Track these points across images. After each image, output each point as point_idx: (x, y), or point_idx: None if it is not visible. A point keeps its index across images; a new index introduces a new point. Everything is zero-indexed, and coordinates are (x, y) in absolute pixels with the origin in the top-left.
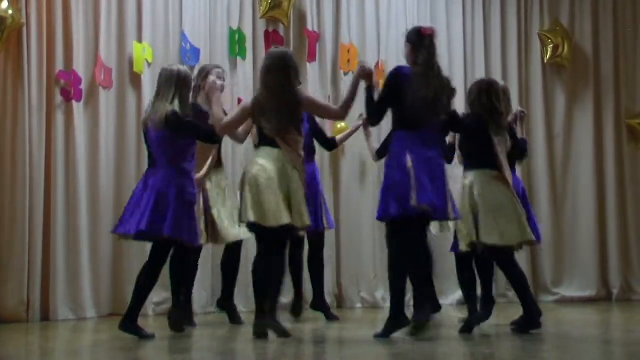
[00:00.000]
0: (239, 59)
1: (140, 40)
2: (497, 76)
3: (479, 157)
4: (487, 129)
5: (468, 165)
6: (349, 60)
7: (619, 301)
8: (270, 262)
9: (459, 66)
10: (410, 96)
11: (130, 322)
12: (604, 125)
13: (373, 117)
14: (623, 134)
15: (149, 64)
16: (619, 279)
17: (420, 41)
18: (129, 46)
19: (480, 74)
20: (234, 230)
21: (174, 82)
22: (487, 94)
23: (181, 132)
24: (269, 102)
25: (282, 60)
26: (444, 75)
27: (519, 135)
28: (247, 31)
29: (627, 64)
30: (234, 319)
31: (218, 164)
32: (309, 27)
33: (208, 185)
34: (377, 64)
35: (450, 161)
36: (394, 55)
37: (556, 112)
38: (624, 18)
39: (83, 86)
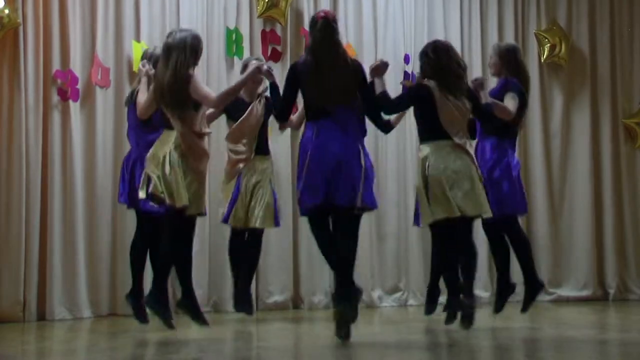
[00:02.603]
0: (236, 58)
1: (138, 39)
2: None
3: (430, 128)
4: (431, 98)
5: (422, 138)
6: None
7: (616, 301)
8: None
9: None
10: (306, 86)
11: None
12: (601, 125)
13: (278, 113)
14: (620, 134)
15: None
16: (615, 278)
17: (314, 25)
18: (126, 45)
19: (477, 73)
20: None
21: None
22: (434, 53)
23: None
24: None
25: (182, 40)
26: (342, 59)
27: (483, 101)
28: (244, 31)
29: (623, 63)
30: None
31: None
32: (306, 26)
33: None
34: None
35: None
36: (391, 55)
37: (553, 112)
38: (621, 18)
39: (80, 86)
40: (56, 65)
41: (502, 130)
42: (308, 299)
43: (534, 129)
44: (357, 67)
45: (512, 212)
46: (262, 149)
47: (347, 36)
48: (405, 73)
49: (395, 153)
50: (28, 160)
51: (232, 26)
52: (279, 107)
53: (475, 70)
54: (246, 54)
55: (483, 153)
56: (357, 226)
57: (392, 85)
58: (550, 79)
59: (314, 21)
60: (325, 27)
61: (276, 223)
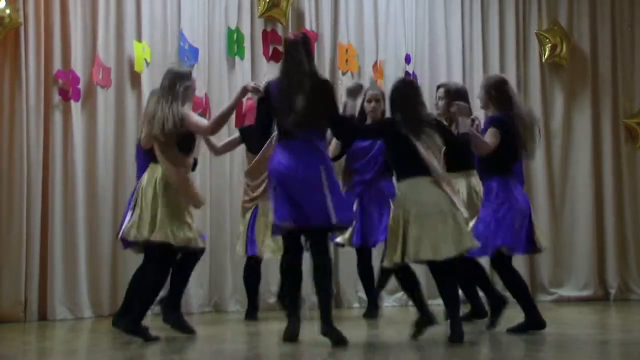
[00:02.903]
0: (237, 58)
1: (139, 39)
2: None
3: (406, 165)
4: (399, 133)
5: (398, 175)
6: (347, 60)
7: (617, 301)
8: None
9: (457, 66)
10: (275, 107)
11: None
12: (602, 125)
13: (257, 130)
14: (621, 134)
15: (148, 64)
16: (616, 278)
17: (284, 47)
18: (127, 46)
19: (478, 73)
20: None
21: None
22: (399, 92)
23: None
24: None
25: (170, 76)
26: (309, 81)
27: (461, 130)
28: (246, 31)
29: (624, 63)
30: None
31: None
32: (307, 26)
33: None
34: (375, 64)
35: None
36: (392, 55)
37: (554, 112)
38: (622, 18)
39: (81, 86)
40: (57, 65)
41: (501, 169)
42: (308, 299)
43: None
44: (326, 88)
45: (501, 244)
46: None
47: (347, 36)
48: (406, 73)
49: None
50: (29, 160)
51: (233, 26)
52: (258, 125)
53: (475, 70)
54: (247, 54)
55: (488, 193)
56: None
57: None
58: (551, 78)
59: (284, 43)
60: (292, 49)
61: None
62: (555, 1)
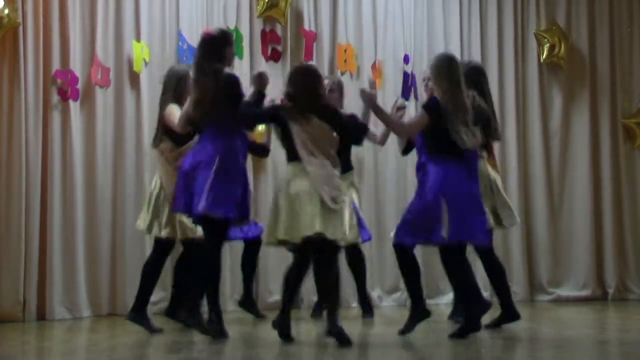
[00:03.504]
0: (235, 58)
1: (138, 39)
2: (493, 76)
3: (288, 149)
4: (283, 118)
5: (287, 158)
6: (345, 60)
7: (615, 301)
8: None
9: None
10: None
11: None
12: (600, 125)
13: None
14: (619, 134)
15: (146, 64)
16: (614, 278)
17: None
18: (126, 45)
19: None
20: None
21: None
22: (293, 80)
23: None
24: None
25: (169, 76)
26: (209, 74)
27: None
28: (244, 31)
29: (623, 63)
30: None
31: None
32: (306, 26)
33: None
34: (374, 63)
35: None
36: (390, 55)
37: (552, 112)
38: (620, 18)
39: (80, 86)
40: (56, 65)
41: (435, 152)
42: (308, 299)
43: (533, 129)
44: (227, 81)
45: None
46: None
47: (346, 36)
48: (405, 73)
49: (394, 153)
50: (28, 160)
51: (232, 26)
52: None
53: None
54: (246, 53)
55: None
56: (214, 238)
57: (392, 86)
58: (549, 79)
59: None
60: (198, 45)
61: (363, 237)
62: (554, 1)
